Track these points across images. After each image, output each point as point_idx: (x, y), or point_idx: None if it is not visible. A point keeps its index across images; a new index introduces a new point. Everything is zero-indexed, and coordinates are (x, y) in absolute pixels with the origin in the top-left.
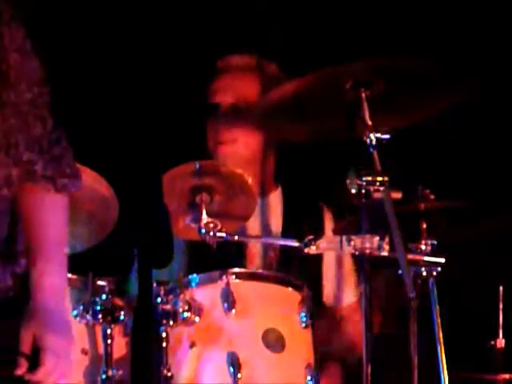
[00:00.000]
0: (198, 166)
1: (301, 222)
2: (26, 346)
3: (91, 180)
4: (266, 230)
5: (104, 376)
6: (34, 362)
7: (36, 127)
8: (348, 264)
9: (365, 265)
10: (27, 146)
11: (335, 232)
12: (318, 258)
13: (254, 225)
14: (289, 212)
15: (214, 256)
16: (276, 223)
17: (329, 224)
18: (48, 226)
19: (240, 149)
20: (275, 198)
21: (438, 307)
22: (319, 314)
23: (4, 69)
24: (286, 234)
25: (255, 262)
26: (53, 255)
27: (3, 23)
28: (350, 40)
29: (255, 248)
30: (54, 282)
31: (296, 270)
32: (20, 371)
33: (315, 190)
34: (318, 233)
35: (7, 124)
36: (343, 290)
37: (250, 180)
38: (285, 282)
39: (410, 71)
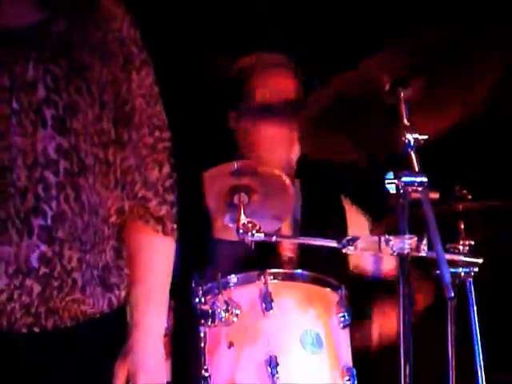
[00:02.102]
0: (236, 166)
1: (320, 218)
2: (119, 381)
3: None
4: (294, 224)
5: None
6: None
7: (153, 171)
8: None
9: (404, 266)
10: (143, 186)
11: (373, 233)
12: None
13: (285, 223)
14: (308, 206)
15: (251, 256)
16: (296, 215)
17: (352, 218)
18: (153, 267)
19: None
20: (297, 189)
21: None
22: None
23: (128, 111)
24: (304, 225)
25: (288, 261)
26: (153, 294)
27: (134, 68)
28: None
29: (287, 246)
30: (153, 323)
31: (316, 261)
32: None
33: (336, 184)
34: (340, 228)
35: (125, 163)
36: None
37: (287, 180)
38: (323, 283)
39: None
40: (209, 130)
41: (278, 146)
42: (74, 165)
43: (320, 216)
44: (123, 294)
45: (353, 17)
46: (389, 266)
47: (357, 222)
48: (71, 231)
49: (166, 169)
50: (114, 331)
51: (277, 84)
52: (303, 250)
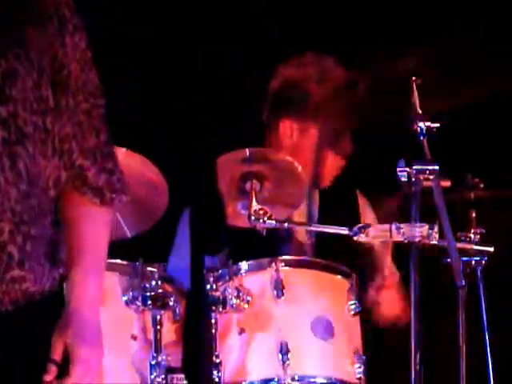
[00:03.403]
0: (248, 152)
1: (336, 209)
2: (57, 354)
3: (139, 164)
4: (310, 218)
5: (153, 361)
6: (63, 370)
7: (90, 138)
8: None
9: (414, 253)
10: (81, 154)
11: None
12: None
13: (300, 212)
14: (324, 198)
15: (262, 243)
16: (314, 209)
17: (365, 212)
18: (89, 238)
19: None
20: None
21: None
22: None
23: (65, 75)
24: (322, 219)
25: (302, 249)
26: (91, 267)
27: (68, 32)
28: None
29: (302, 235)
30: (90, 294)
31: (332, 256)
32: (48, 378)
33: (351, 177)
34: (354, 220)
35: (63, 131)
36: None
37: (299, 168)
38: (334, 270)
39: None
40: (227, 116)
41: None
42: (12, 134)
43: (337, 212)
44: (63, 269)
45: (349, 13)
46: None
47: (367, 216)
48: (2, 201)
49: (103, 136)
50: (54, 312)
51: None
52: (318, 240)
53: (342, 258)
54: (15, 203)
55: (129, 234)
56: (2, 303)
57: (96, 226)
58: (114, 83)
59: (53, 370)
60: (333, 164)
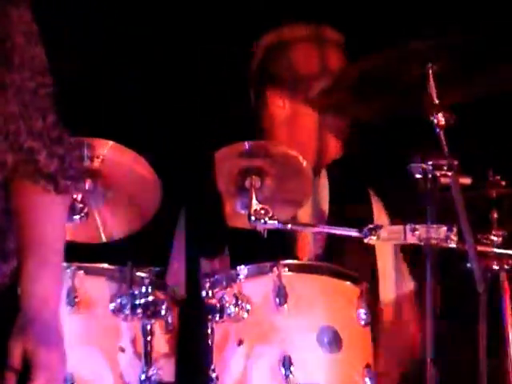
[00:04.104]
0: (247, 146)
1: (347, 210)
2: (15, 360)
3: (130, 160)
4: (316, 216)
5: (143, 376)
6: (24, 377)
7: (37, 120)
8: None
9: (430, 257)
10: (29, 136)
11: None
12: (370, 248)
13: (304, 211)
14: (335, 197)
15: (263, 246)
16: (323, 206)
17: (378, 213)
18: (44, 228)
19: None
20: (323, 178)
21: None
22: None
23: (8, 48)
24: (332, 221)
25: (307, 253)
26: (47, 260)
27: (11, 3)
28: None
29: (306, 237)
30: (46, 290)
31: (344, 258)
32: None
33: (363, 176)
34: (366, 221)
35: (8, 109)
36: (402, 277)
37: (304, 162)
38: (342, 275)
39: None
40: (224, 107)
41: (312, 132)
42: None
43: (348, 210)
44: (16, 262)
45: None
46: (408, 288)
47: (380, 215)
48: None
49: (51, 118)
50: (6, 309)
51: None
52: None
53: (356, 262)
54: None
55: (117, 236)
56: None
57: (52, 215)
58: (106, 76)
59: (11, 378)
60: (333, 142)
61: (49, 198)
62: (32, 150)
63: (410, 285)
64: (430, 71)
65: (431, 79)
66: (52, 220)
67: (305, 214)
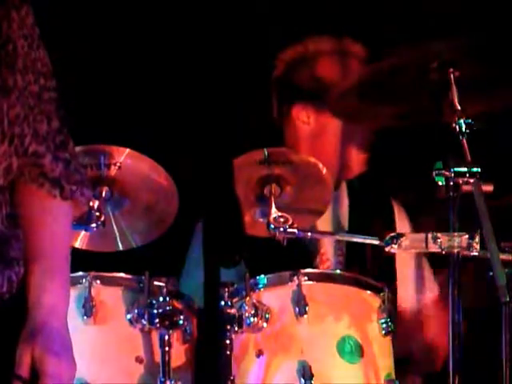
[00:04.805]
0: (266, 153)
1: (368, 219)
2: (23, 369)
3: (147, 168)
4: (334, 225)
5: None
6: None
7: (42, 124)
8: (424, 258)
9: (453, 266)
10: (34, 139)
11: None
12: (390, 256)
13: (324, 222)
14: (355, 207)
15: (283, 254)
16: (343, 219)
17: (401, 223)
18: (50, 235)
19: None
20: (343, 191)
21: None
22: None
23: (11, 51)
24: (352, 230)
25: (327, 262)
26: (54, 267)
27: (13, 6)
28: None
29: (327, 246)
30: (54, 299)
31: (365, 269)
32: None
33: (385, 183)
34: (387, 231)
35: (12, 112)
36: (424, 286)
37: (324, 170)
38: (363, 285)
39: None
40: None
41: (336, 147)
42: None
43: (369, 221)
44: (23, 270)
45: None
46: (430, 295)
47: (403, 225)
48: None
49: (55, 122)
50: (14, 317)
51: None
52: (348, 254)
53: (376, 274)
54: None
55: (134, 245)
56: None
57: (58, 221)
58: (124, 84)
59: None
60: (357, 156)
61: (54, 203)
62: (37, 154)
63: (432, 291)
64: (452, 76)
65: (453, 85)
66: (58, 225)
67: (324, 224)
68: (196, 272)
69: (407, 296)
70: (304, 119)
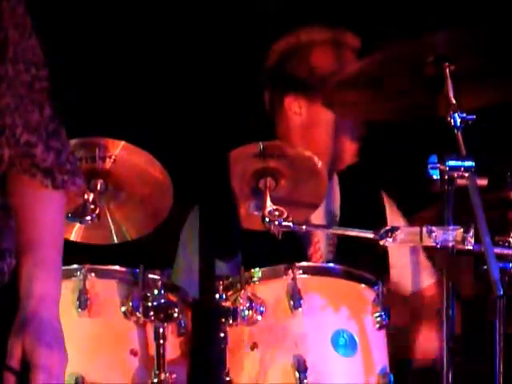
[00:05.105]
0: (261, 146)
1: (359, 211)
2: (14, 360)
3: (142, 161)
4: (326, 216)
5: (155, 380)
6: (23, 378)
7: (34, 113)
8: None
9: (446, 259)
10: (26, 129)
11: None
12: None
13: (317, 214)
14: (346, 199)
15: (278, 247)
16: (335, 210)
17: (392, 216)
18: (42, 226)
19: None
20: (335, 183)
21: None
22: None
23: (1, 40)
24: (343, 222)
25: (319, 252)
26: (45, 258)
27: None
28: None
29: (319, 237)
30: (46, 290)
31: (356, 259)
32: None
33: (376, 177)
34: (379, 224)
35: (3, 102)
36: (420, 271)
37: (319, 163)
38: (357, 278)
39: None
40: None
41: (328, 138)
42: None
43: (360, 213)
44: (15, 261)
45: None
46: (427, 281)
47: (394, 218)
48: None
49: (47, 111)
50: (5, 308)
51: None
52: (340, 245)
53: (368, 264)
54: None
55: (129, 237)
56: None
57: (50, 212)
58: (119, 75)
59: (10, 379)
60: (349, 147)
61: (46, 194)
62: (29, 144)
63: (428, 282)
64: (447, 70)
65: (448, 79)
66: (49, 216)
67: (317, 217)
68: (184, 254)
69: (405, 285)
70: (296, 110)
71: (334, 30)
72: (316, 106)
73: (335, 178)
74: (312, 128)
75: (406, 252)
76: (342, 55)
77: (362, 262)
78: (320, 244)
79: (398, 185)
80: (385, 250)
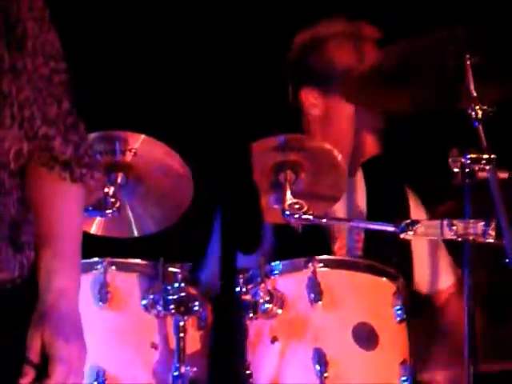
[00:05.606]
0: (282, 139)
1: (385, 206)
2: (33, 353)
3: (162, 154)
4: (352, 212)
5: (176, 373)
6: (42, 371)
7: (52, 106)
8: (441, 244)
9: (468, 253)
10: (44, 122)
11: (435, 216)
12: (406, 242)
13: (339, 206)
14: (372, 194)
15: (298, 241)
16: (361, 206)
17: (415, 210)
18: (60, 219)
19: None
20: (360, 178)
21: None
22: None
23: (20, 33)
24: (370, 217)
25: (342, 248)
26: (64, 252)
27: None
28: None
29: (341, 232)
30: (65, 282)
31: (383, 256)
32: (25, 381)
33: (400, 172)
34: (403, 218)
35: (22, 95)
36: (439, 273)
37: (339, 156)
38: (378, 271)
39: None
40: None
41: (347, 130)
42: None
43: (386, 209)
44: (34, 254)
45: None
46: (446, 284)
47: (418, 212)
48: None
49: (66, 104)
50: (26, 302)
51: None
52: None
53: (394, 261)
54: None
55: (149, 230)
56: None
57: (68, 205)
58: (139, 69)
59: (30, 372)
60: (369, 139)
61: (64, 187)
62: (47, 137)
63: (449, 279)
64: (468, 62)
65: (469, 71)
66: (68, 209)
67: (340, 211)
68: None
69: (424, 280)
70: (312, 102)
71: (351, 22)
72: (333, 99)
73: (360, 173)
74: (330, 120)
75: (426, 248)
76: (361, 47)
77: (389, 259)
78: (343, 240)
79: (419, 178)
80: (409, 246)
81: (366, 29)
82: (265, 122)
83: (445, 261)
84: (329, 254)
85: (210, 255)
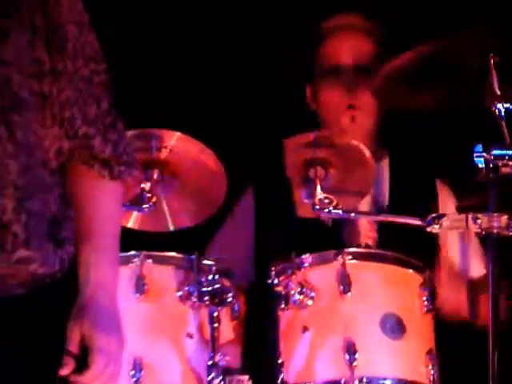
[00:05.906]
0: (314, 136)
1: (409, 197)
2: (73, 345)
3: (197, 151)
4: (376, 203)
5: (210, 362)
6: (82, 362)
7: (92, 107)
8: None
9: (492, 246)
10: (84, 122)
11: (460, 209)
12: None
13: (364, 200)
14: (396, 185)
15: (328, 234)
16: (383, 196)
17: (445, 201)
18: (99, 215)
19: (364, 115)
20: (384, 169)
21: None
22: None
23: (61, 36)
24: (392, 208)
25: (367, 240)
26: (103, 246)
27: None
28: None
29: (365, 226)
30: (103, 276)
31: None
32: (65, 372)
33: (428, 163)
34: (430, 210)
35: (63, 96)
36: (470, 262)
37: (367, 153)
38: (405, 263)
39: None
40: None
41: (355, 113)
42: (7, 99)
43: (410, 200)
44: (73, 249)
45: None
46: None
47: (447, 205)
48: (2, 175)
49: (105, 104)
50: (66, 296)
51: (356, 47)
52: (383, 231)
53: (410, 248)
54: (17, 177)
55: (184, 225)
56: (12, 286)
57: (107, 201)
58: (175, 68)
59: (69, 363)
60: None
61: (103, 184)
62: (87, 136)
63: (478, 272)
64: (492, 61)
65: (493, 70)
66: (107, 206)
67: (365, 203)
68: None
69: (451, 276)
70: (310, 96)
71: (343, 16)
72: (327, 92)
73: (385, 162)
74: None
75: (452, 244)
76: (354, 39)
77: (405, 247)
78: (367, 233)
79: (445, 174)
80: (435, 239)
81: (355, 21)
82: (295, 118)
83: (478, 253)
84: (344, 244)
85: (219, 242)
